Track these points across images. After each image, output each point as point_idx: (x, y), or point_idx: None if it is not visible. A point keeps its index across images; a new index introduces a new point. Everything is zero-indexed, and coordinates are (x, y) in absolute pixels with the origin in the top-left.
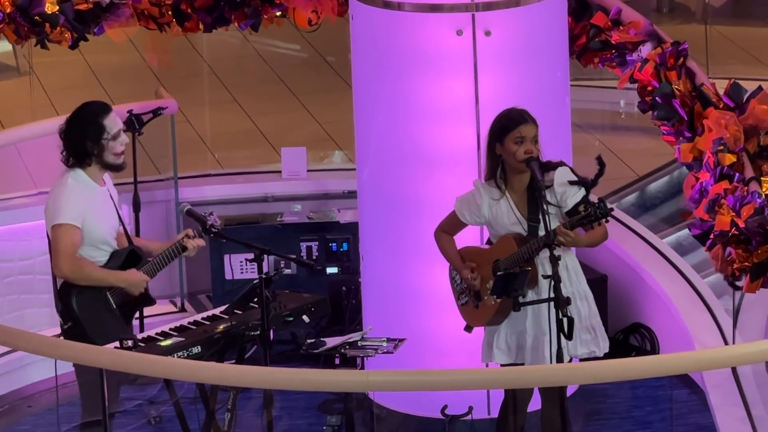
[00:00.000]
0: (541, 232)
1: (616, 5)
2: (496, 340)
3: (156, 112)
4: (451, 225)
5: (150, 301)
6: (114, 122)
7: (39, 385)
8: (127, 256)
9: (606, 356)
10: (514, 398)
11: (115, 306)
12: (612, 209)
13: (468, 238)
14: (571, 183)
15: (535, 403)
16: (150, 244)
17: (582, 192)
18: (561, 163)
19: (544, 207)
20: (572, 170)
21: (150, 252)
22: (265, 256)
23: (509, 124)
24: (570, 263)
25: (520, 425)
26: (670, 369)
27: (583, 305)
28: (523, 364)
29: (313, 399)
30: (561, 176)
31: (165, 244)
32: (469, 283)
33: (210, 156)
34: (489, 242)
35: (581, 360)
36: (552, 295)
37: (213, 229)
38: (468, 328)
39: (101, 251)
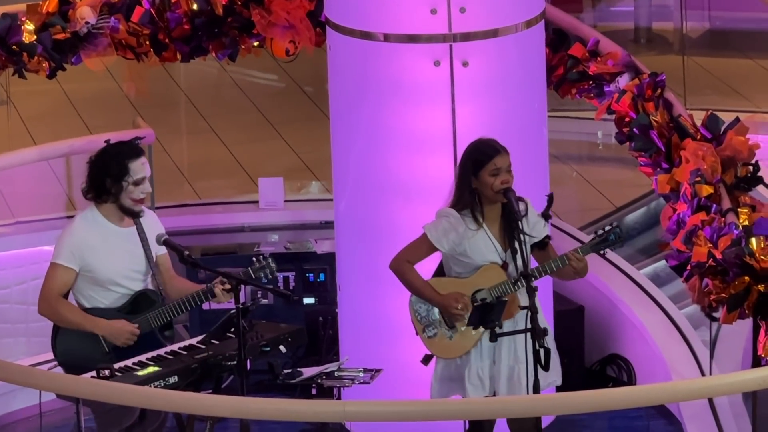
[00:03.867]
0: (520, 262)
1: (594, 36)
2: (468, 375)
3: (133, 142)
4: (416, 254)
5: (160, 346)
6: (141, 168)
7: (18, 414)
8: (136, 299)
9: (583, 387)
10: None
11: (108, 350)
12: (624, 235)
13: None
14: (541, 215)
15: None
16: (190, 287)
17: (548, 225)
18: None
19: (521, 237)
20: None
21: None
22: (242, 286)
23: (483, 157)
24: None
25: None
26: (646, 400)
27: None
28: (495, 395)
29: (290, 429)
30: (531, 208)
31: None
32: (454, 314)
33: (187, 186)
34: (438, 273)
35: (557, 390)
36: (529, 325)
37: (190, 260)
38: (426, 360)
39: (111, 292)
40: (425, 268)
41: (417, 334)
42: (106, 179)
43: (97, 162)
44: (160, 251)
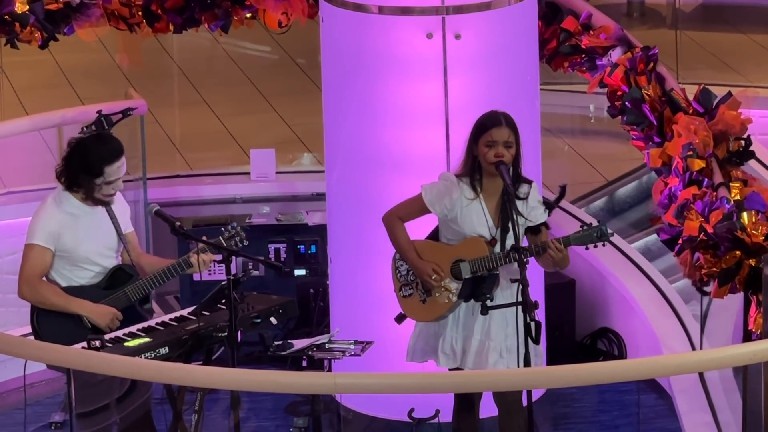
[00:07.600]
0: (509, 241)
1: (587, 9)
2: (441, 344)
3: (125, 113)
4: (409, 212)
5: (142, 320)
6: (116, 171)
7: (6, 385)
8: (113, 275)
9: (573, 360)
10: (462, 400)
11: (90, 326)
12: (612, 234)
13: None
14: (543, 203)
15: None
16: (160, 262)
17: (546, 214)
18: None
19: (515, 216)
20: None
21: (154, 269)
22: (233, 257)
23: (483, 127)
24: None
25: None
26: (637, 374)
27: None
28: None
29: (280, 401)
30: (535, 193)
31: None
32: (426, 282)
33: (179, 157)
34: (432, 236)
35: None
36: (520, 298)
37: (181, 231)
38: (400, 319)
39: (87, 270)
40: (420, 229)
41: (394, 290)
42: (80, 174)
43: (75, 154)
44: (127, 229)
